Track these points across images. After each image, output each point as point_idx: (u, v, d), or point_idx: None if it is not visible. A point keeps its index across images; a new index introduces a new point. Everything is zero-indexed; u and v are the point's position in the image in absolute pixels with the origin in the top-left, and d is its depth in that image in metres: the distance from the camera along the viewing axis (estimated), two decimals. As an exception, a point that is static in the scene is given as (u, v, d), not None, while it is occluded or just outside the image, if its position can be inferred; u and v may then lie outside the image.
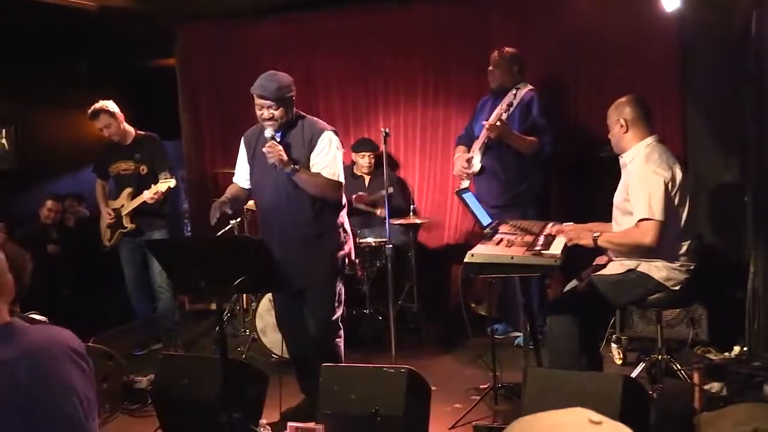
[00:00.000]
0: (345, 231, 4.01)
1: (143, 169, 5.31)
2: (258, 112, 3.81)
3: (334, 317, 3.96)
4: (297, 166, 3.74)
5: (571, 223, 4.00)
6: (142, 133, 5.43)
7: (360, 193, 5.74)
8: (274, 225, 3.92)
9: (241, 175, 4.07)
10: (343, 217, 4.02)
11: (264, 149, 3.76)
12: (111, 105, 5.24)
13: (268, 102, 3.74)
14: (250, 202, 5.25)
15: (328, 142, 3.82)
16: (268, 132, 3.78)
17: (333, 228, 3.93)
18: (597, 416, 1.01)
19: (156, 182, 5.22)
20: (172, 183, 5.19)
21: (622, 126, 3.65)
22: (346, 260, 4.00)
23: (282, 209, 3.86)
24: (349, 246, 4.03)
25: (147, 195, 5.16)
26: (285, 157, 3.71)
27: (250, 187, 4.07)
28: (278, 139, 3.80)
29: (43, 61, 6.63)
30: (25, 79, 6.60)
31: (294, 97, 3.86)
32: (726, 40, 5.02)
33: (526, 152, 5.04)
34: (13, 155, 6.82)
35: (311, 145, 3.82)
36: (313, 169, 3.81)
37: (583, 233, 3.65)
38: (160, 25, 6.62)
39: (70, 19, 6.07)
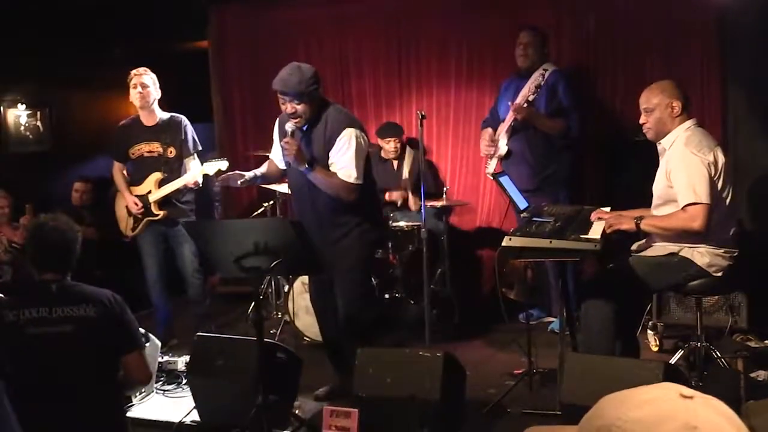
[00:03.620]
0: (375, 214, 3.97)
1: (171, 152, 4.95)
2: (282, 107, 3.75)
3: (362, 300, 3.94)
4: (311, 166, 3.69)
5: (609, 208, 3.93)
6: (167, 114, 5.07)
7: (393, 193, 5.70)
8: (301, 208, 3.95)
9: (274, 154, 4.10)
10: (372, 202, 3.98)
11: (282, 143, 3.74)
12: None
13: (289, 97, 3.67)
14: (283, 186, 5.26)
15: (347, 140, 3.70)
16: (289, 125, 3.72)
17: (360, 213, 3.88)
18: (688, 391, 0.97)
19: (182, 166, 4.97)
20: (209, 169, 4.83)
21: (674, 108, 3.54)
22: (375, 245, 3.97)
23: (306, 195, 3.87)
24: (379, 230, 4.01)
25: (184, 182, 4.87)
26: (300, 155, 3.67)
27: (284, 167, 4.08)
28: (304, 130, 3.77)
29: (77, 43, 6.65)
30: (60, 61, 6.63)
31: (318, 89, 3.76)
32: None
33: (554, 134, 4.98)
34: (47, 137, 6.86)
35: (330, 144, 3.74)
36: (331, 168, 3.75)
37: (624, 218, 3.59)
38: (193, 7, 6.62)
39: (104, 0, 6.09)
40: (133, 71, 4.96)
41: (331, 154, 3.73)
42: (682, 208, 3.41)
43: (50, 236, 2.88)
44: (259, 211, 5.88)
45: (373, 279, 4.98)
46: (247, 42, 6.67)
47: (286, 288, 5.22)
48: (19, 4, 6.20)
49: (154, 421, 3.90)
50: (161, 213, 4.95)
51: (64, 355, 2.73)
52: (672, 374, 3.01)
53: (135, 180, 5.05)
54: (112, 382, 2.90)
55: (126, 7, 6.58)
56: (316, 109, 3.75)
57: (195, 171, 4.91)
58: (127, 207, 5.05)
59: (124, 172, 5.13)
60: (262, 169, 4.13)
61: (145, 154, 4.99)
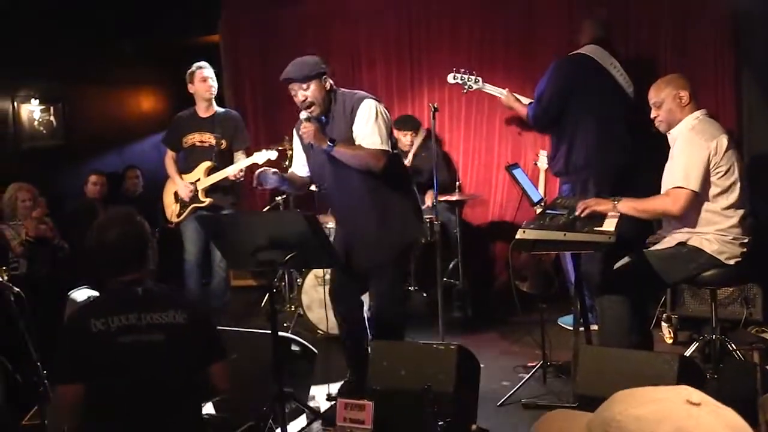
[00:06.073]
0: (411, 206, 3.88)
1: (222, 144, 5.14)
2: (296, 101, 3.72)
3: (399, 298, 3.90)
4: (332, 142, 3.62)
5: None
6: (222, 108, 5.31)
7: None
8: (336, 209, 3.94)
9: (298, 162, 4.01)
10: (408, 189, 3.89)
11: (300, 132, 3.71)
12: None
13: (297, 84, 3.65)
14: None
15: (367, 110, 3.66)
16: (303, 114, 3.70)
17: (394, 205, 3.80)
18: (698, 397, 0.97)
19: (231, 159, 5.13)
20: (258, 159, 4.88)
21: (682, 99, 3.58)
22: (414, 240, 3.91)
23: (340, 192, 3.81)
24: (417, 225, 3.90)
25: (230, 171, 4.98)
26: (318, 135, 3.61)
27: (307, 174, 3.97)
28: (323, 121, 3.72)
29: (89, 39, 6.68)
30: (72, 57, 6.66)
31: (325, 72, 3.70)
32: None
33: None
34: (60, 132, 6.90)
35: (352, 117, 3.69)
36: (356, 141, 3.68)
37: (602, 200, 3.63)
38: (204, 2, 6.62)
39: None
40: (196, 65, 5.16)
41: (354, 127, 3.68)
42: (668, 191, 3.48)
43: (121, 236, 2.60)
44: (272, 204, 5.89)
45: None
46: (258, 35, 6.69)
47: (300, 281, 5.23)
48: (32, 1, 6.22)
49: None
50: (207, 200, 5.13)
51: (156, 364, 2.51)
52: (687, 367, 2.99)
53: (185, 168, 5.23)
54: (198, 391, 2.68)
55: (138, 1, 6.59)
56: (328, 95, 3.71)
57: (236, 164, 5.02)
58: (175, 193, 5.23)
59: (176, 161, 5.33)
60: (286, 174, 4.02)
61: (197, 144, 5.18)
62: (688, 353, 3.93)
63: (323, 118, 3.73)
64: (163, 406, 2.52)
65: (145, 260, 2.64)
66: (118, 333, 2.47)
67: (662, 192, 3.65)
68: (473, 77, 5.26)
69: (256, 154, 4.97)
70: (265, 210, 5.97)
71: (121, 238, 2.59)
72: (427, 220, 5.17)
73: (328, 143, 3.61)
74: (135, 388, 2.49)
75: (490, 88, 5.30)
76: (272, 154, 4.92)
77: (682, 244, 3.57)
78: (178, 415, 2.56)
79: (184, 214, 5.19)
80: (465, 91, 5.36)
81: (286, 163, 5.51)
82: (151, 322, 2.51)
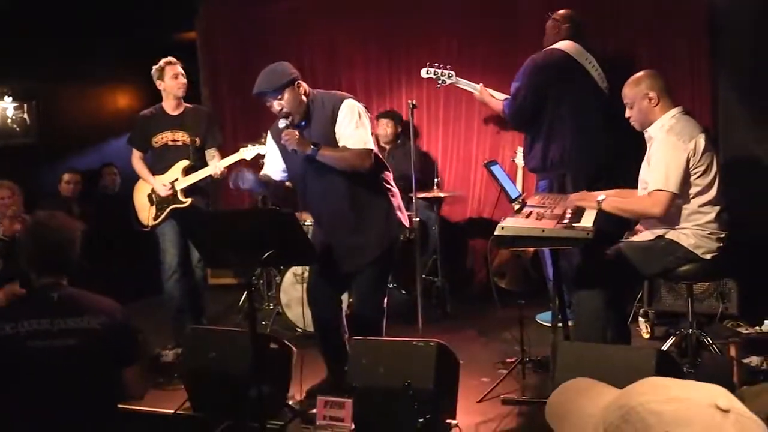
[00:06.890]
0: (394, 203, 3.83)
1: (197, 142, 4.94)
2: (273, 111, 3.69)
3: (380, 297, 3.86)
4: (317, 146, 3.57)
5: (603, 195, 3.94)
6: (191, 105, 5.10)
7: None
8: (317, 213, 3.89)
9: (270, 167, 3.93)
10: (389, 186, 3.84)
11: (282, 141, 3.65)
12: None
13: (269, 96, 3.62)
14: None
15: (348, 110, 3.64)
16: (282, 122, 3.66)
17: (376, 205, 3.77)
18: (726, 402, 0.92)
19: (203, 156, 4.97)
20: (247, 154, 4.73)
21: (651, 99, 3.59)
22: (396, 238, 3.86)
23: (321, 196, 3.76)
24: (399, 223, 3.84)
25: (214, 170, 4.80)
26: (302, 140, 3.57)
27: (281, 179, 3.93)
28: (303, 125, 3.68)
29: (64, 35, 6.60)
30: (47, 54, 6.57)
31: (297, 77, 3.66)
32: (759, 2, 4.89)
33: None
34: (35, 130, 6.82)
35: (333, 118, 3.65)
36: (340, 142, 3.64)
37: (588, 197, 3.67)
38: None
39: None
40: (166, 61, 4.92)
41: (337, 129, 3.64)
42: (649, 193, 3.51)
43: (49, 236, 2.66)
44: (250, 202, 5.86)
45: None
46: (236, 32, 6.65)
47: (278, 279, 5.20)
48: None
49: (148, 413, 3.88)
50: (188, 200, 4.90)
51: (68, 369, 2.54)
52: (664, 361, 3.02)
53: (158, 168, 4.98)
54: (112, 394, 2.72)
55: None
56: (304, 100, 3.67)
57: (222, 160, 4.87)
58: (149, 195, 5.00)
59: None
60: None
61: (169, 143, 4.95)
62: (665, 347, 3.96)
63: (302, 122, 3.70)
64: (75, 409, 2.54)
65: (65, 265, 2.68)
66: (28, 337, 2.50)
67: (639, 192, 3.69)
68: (447, 72, 5.23)
69: (242, 149, 4.79)
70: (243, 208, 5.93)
71: (56, 240, 2.65)
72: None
73: (312, 147, 3.56)
74: (46, 391, 2.51)
75: (463, 83, 5.28)
76: (261, 149, 4.65)
77: (659, 237, 3.60)
78: (90, 418, 2.59)
79: (162, 217, 4.93)
80: (438, 86, 5.34)
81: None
82: (63, 327, 2.53)
